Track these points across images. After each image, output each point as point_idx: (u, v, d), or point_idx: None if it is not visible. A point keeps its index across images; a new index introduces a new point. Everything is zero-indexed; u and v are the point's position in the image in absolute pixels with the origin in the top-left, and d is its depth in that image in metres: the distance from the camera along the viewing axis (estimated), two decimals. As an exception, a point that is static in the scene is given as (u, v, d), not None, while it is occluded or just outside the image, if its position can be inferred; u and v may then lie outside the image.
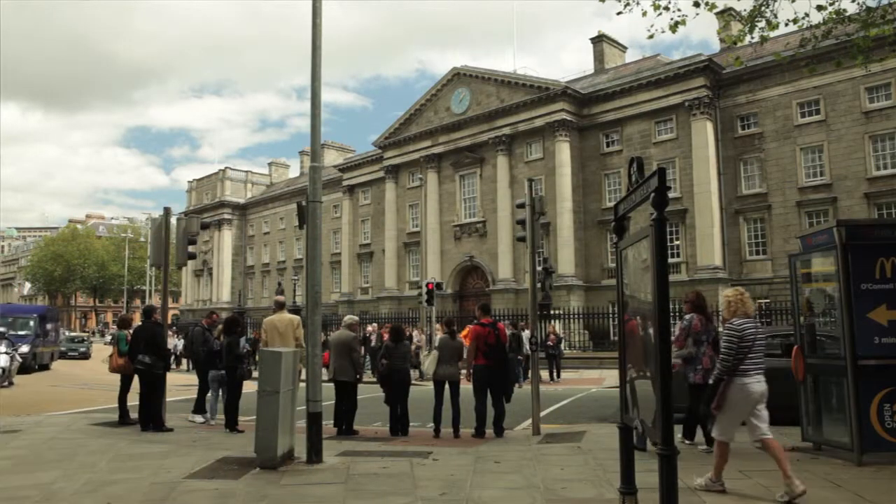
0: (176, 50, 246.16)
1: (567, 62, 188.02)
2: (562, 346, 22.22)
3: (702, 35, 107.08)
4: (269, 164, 72.72)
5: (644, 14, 9.04)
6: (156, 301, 44.55)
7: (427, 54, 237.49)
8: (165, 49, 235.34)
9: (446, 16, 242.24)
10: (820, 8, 8.69)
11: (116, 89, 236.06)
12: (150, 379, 9.76)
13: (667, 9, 8.87)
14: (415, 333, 22.26)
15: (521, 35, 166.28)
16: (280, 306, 10.21)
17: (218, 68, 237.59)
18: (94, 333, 69.88)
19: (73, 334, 46.62)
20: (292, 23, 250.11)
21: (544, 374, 18.60)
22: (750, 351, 5.66)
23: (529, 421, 9.84)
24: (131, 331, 10.88)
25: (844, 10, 8.78)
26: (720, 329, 6.55)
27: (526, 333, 18.09)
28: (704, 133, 32.50)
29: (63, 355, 33.87)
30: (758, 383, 5.66)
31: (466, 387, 9.50)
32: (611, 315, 29.22)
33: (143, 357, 9.70)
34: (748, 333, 5.69)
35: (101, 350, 37.41)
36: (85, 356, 36.31)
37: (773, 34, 9.29)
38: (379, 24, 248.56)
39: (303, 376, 7.82)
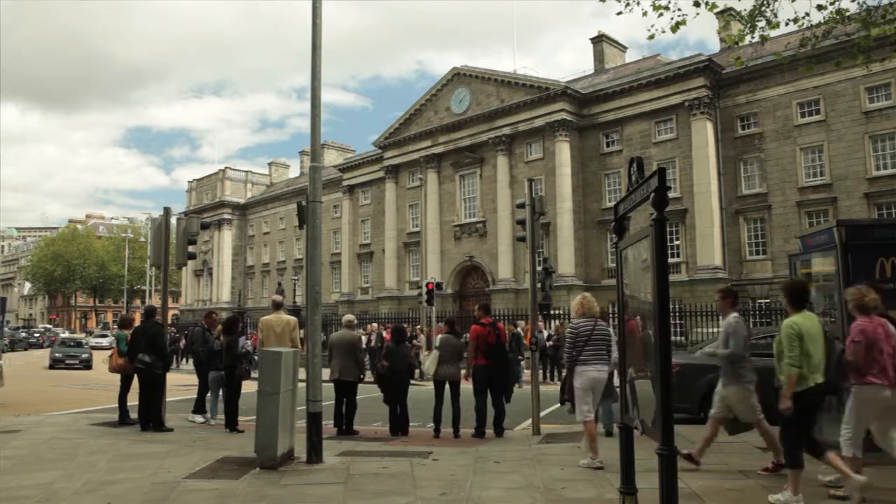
0: (175, 50, 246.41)
1: (563, 63, 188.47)
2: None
3: (699, 35, 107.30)
4: (269, 164, 72.66)
5: (644, 14, 9.03)
6: (156, 301, 44.48)
7: (425, 55, 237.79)
8: (164, 49, 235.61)
9: (443, 16, 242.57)
10: (820, 7, 8.68)
11: (115, 89, 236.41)
12: (149, 378, 9.76)
13: (667, 9, 8.86)
14: (417, 334, 22.24)
15: (518, 36, 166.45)
16: (277, 306, 10.20)
17: (217, 69, 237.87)
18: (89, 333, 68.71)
19: (65, 335, 38.61)
20: (292, 23, 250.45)
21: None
22: (586, 345, 6.96)
23: (529, 421, 9.84)
24: (129, 332, 10.90)
25: (845, 10, 8.77)
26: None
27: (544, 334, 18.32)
28: (704, 133, 32.49)
29: (58, 363, 27.51)
30: (595, 371, 6.95)
31: (466, 387, 9.50)
32: (611, 315, 29.14)
33: (143, 356, 9.69)
34: (584, 331, 7.00)
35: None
36: (87, 365, 27.70)
37: (773, 34, 9.28)
38: (376, 25, 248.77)
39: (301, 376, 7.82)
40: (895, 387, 5.31)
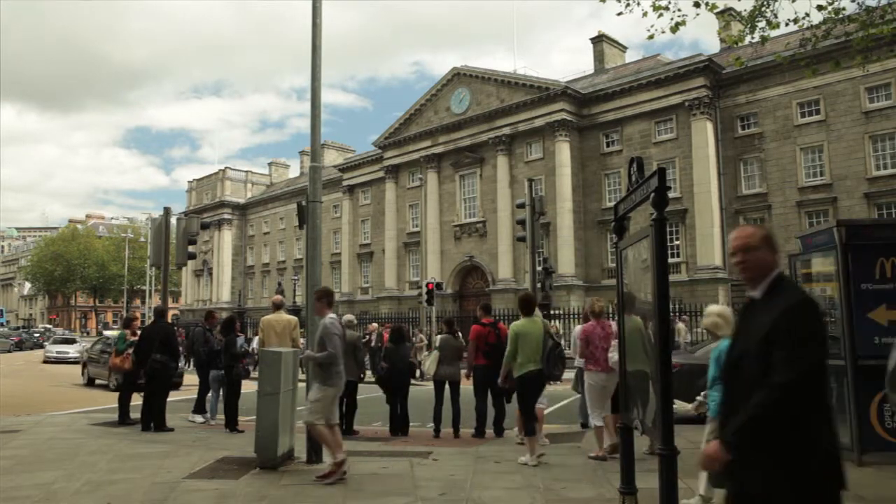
0: (172, 51, 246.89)
1: (557, 63, 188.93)
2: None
3: (694, 35, 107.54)
4: (269, 164, 72.68)
5: (645, 14, 9.02)
6: (155, 301, 44.45)
7: (422, 55, 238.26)
8: (161, 50, 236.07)
9: (438, 17, 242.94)
10: (820, 7, 8.68)
11: (112, 90, 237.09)
12: (163, 378, 9.82)
13: (667, 9, 8.85)
14: (417, 334, 22.24)
15: (512, 36, 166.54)
16: (277, 307, 10.21)
17: (216, 69, 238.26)
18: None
19: (111, 332, 25.26)
20: (291, 24, 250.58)
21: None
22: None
23: (529, 421, 9.82)
24: (129, 331, 10.93)
25: (843, 10, 8.77)
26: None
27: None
28: (704, 133, 32.49)
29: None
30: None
31: (466, 387, 9.49)
32: (611, 315, 29.12)
33: (158, 356, 9.75)
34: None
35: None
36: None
37: (773, 34, 9.28)
38: (374, 26, 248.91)
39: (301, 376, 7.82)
40: (606, 371, 7.16)
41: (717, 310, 5.41)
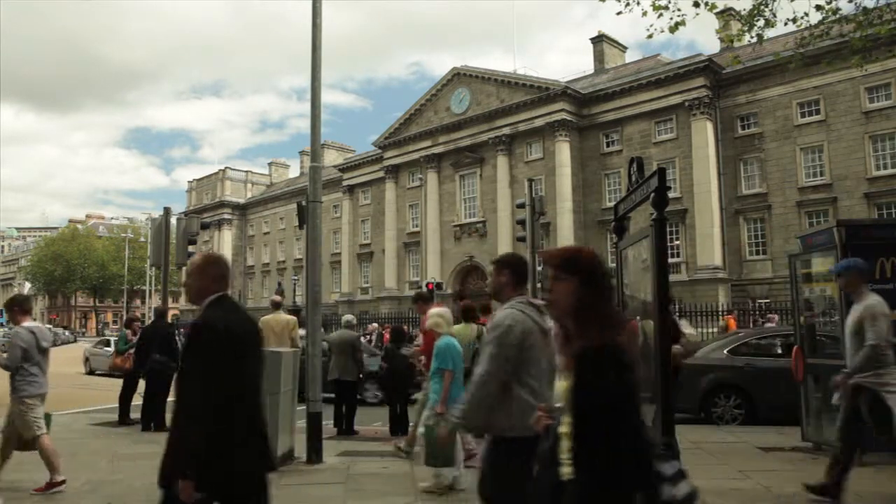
0: (171, 51, 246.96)
1: (554, 63, 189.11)
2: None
3: (691, 35, 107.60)
4: (269, 165, 72.66)
5: (644, 14, 9.03)
6: (155, 301, 44.41)
7: (420, 55, 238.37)
8: (160, 50, 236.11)
9: (436, 17, 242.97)
10: (819, 7, 8.68)
11: (110, 90, 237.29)
12: (162, 378, 9.83)
13: (666, 9, 8.86)
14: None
15: (509, 36, 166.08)
16: (276, 306, 10.21)
17: (215, 69, 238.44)
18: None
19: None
20: (290, 24, 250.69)
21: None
22: None
23: (529, 421, 9.82)
24: (130, 331, 10.95)
25: (840, 10, 8.78)
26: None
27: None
28: (704, 133, 32.49)
29: None
30: None
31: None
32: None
33: (158, 356, 9.76)
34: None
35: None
36: None
37: (773, 34, 9.30)
38: (372, 26, 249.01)
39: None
40: None
41: (438, 311, 5.90)
